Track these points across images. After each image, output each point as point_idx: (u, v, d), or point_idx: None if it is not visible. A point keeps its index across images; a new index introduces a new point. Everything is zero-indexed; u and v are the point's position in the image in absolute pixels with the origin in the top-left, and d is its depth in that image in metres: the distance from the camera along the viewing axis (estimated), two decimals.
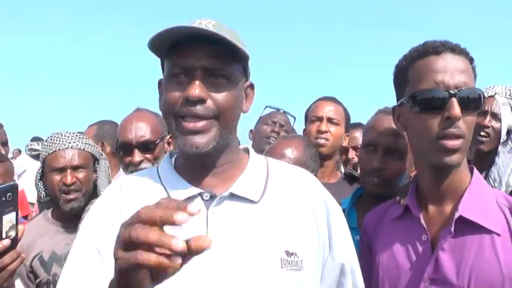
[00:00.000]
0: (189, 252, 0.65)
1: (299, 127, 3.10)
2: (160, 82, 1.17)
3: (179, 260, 0.64)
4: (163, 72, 1.15)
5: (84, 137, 2.14)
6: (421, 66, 1.21)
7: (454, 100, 1.15)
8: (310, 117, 2.49)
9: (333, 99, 2.52)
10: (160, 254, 0.64)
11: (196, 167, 1.14)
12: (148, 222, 0.66)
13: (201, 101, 1.05)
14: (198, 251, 0.65)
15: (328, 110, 2.43)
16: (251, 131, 3.25)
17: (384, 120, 1.67)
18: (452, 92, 1.16)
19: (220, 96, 1.07)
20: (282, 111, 3.12)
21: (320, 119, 2.42)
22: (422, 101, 1.19)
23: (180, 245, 0.63)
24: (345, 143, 2.58)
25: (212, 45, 1.05)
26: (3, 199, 1.20)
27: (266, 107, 3.17)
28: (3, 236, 1.23)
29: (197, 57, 1.05)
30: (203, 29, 1.04)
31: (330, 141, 2.38)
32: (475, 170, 1.28)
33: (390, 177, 1.65)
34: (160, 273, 0.70)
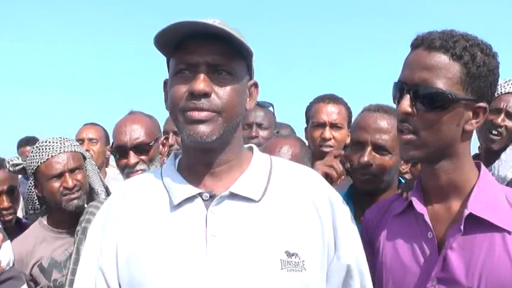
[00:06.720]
0: None
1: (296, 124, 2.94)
2: (165, 82, 1.18)
3: None
4: (169, 71, 1.15)
5: (69, 139, 2.14)
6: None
7: None
8: (312, 122, 2.41)
9: (333, 100, 2.43)
10: None
11: (198, 165, 1.13)
12: None
13: (206, 95, 1.06)
14: None
15: (330, 114, 2.36)
16: None
17: (370, 117, 1.70)
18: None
19: (224, 91, 1.08)
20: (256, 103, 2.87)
21: (323, 125, 2.36)
22: None
23: None
24: (348, 140, 2.56)
25: (216, 42, 1.06)
26: None
27: None
28: None
29: (201, 53, 1.06)
30: (208, 24, 1.05)
31: (335, 147, 2.34)
32: (483, 166, 1.24)
33: (378, 172, 1.68)
34: None
